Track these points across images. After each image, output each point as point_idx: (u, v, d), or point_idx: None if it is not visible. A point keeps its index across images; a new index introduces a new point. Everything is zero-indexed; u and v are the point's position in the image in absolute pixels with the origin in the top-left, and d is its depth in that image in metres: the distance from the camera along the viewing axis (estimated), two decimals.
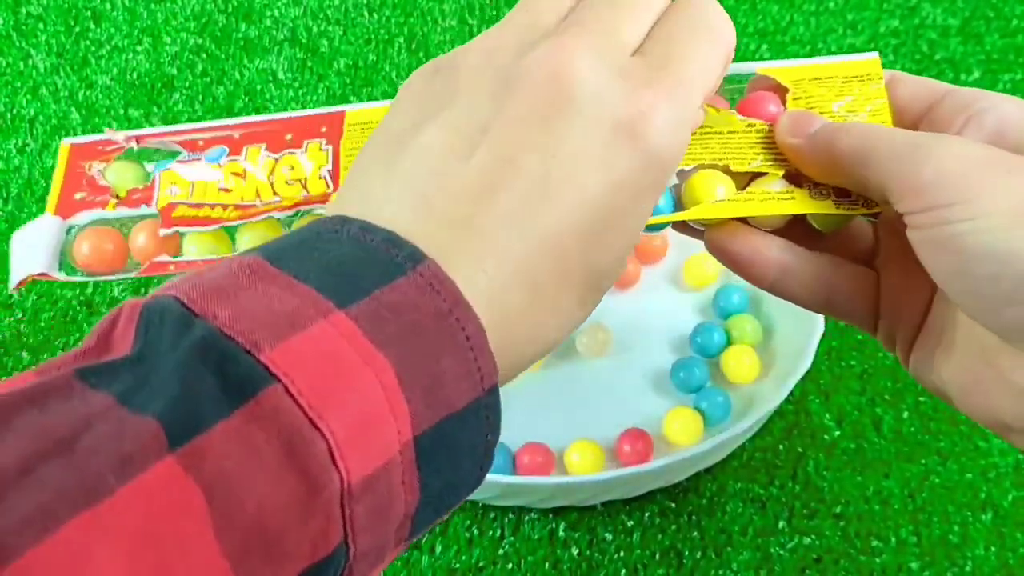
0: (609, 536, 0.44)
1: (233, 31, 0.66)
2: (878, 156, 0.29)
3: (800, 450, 0.47)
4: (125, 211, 0.36)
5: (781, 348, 0.48)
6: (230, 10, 0.67)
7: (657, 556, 0.44)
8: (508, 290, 0.25)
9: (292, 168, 0.36)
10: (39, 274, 0.35)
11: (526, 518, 0.45)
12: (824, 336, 0.47)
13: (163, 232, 0.35)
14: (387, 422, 0.22)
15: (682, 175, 0.34)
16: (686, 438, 0.45)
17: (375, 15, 0.67)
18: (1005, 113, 0.30)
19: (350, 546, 0.22)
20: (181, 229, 0.35)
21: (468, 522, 0.45)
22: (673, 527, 0.45)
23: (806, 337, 0.45)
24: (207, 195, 0.36)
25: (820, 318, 0.46)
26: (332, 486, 0.21)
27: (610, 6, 0.28)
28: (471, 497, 0.44)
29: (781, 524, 0.45)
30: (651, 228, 0.34)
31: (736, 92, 0.35)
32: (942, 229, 0.27)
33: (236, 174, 0.36)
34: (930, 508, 0.45)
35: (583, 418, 0.47)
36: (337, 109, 0.37)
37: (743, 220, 0.33)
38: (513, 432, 0.46)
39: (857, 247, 0.34)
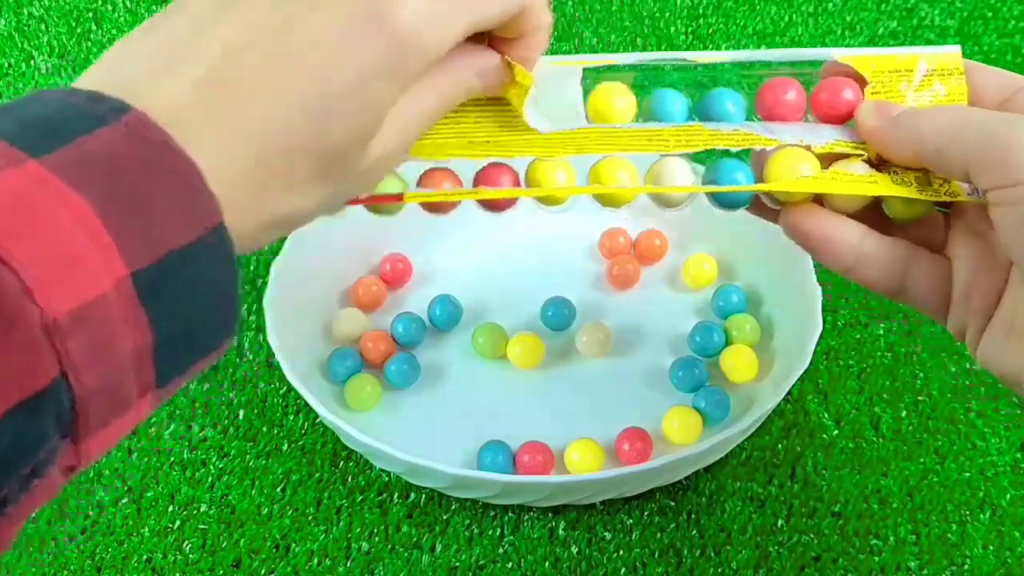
0: (609, 535, 0.45)
1: None
2: (966, 132, 0.30)
3: (799, 449, 0.47)
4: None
5: (780, 348, 0.48)
6: None
7: (656, 555, 0.44)
8: (233, 156, 0.25)
9: None
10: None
11: (526, 517, 0.45)
12: (822, 336, 0.47)
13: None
14: (89, 258, 0.22)
15: (764, 153, 0.34)
16: (685, 437, 0.45)
17: None
18: None
19: (72, 383, 0.22)
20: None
21: (468, 521, 0.45)
22: (672, 526, 0.45)
23: (804, 337, 0.45)
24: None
25: (818, 318, 0.46)
26: (29, 319, 0.21)
27: None
28: (471, 496, 0.44)
29: (780, 523, 0.45)
30: (732, 200, 0.35)
31: (811, 77, 0.35)
32: None
33: None
34: (928, 507, 0.45)
35: (583, 418, 0.47)
36: None
37: (820, 202, 0.34)
38: (513, 432, 0.46)
39: (929, 235, 0.34)
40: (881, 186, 0.33)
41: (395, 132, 0.29)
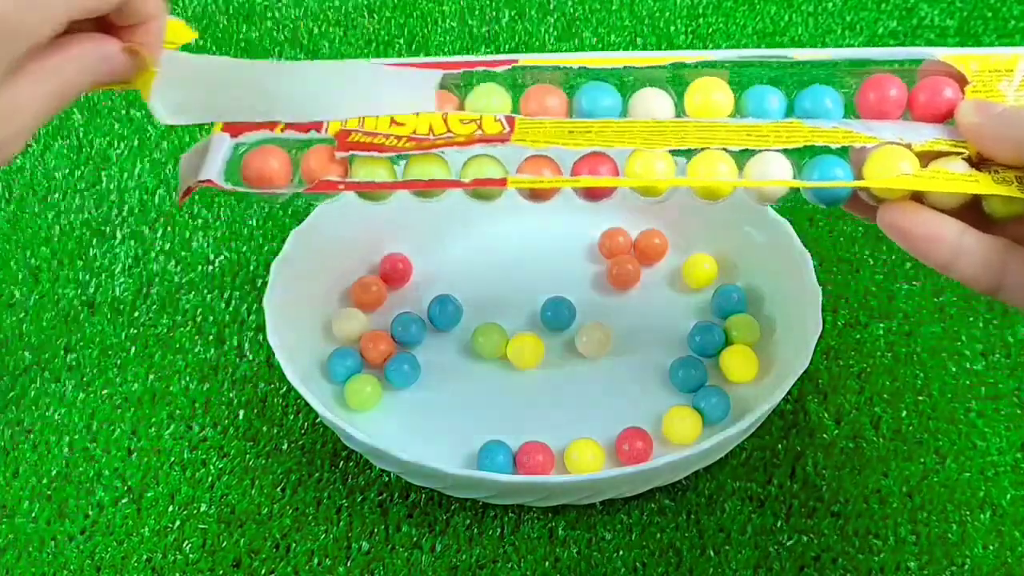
0: (608, 535, 0.45)
1: (234, 32, 0.66)
2: None
3: (799, 449, 0.47)
4: (293, 134, 0.37)
5: (780, 348, 0.48)
6: (231, 11, 0.67)
7: (656, 555, 0.44)
8: None
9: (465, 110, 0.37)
10: (205, 180, 0.36)
11: (526, 517, 0.45)
12: (822, 336, 0.47)
13: (339, 155, 0.36)
14: None
15: (864, 150, 0.34)
16: (685, 437, 0.45)
17: (375, 16, 0.67)
18: None
19: None
20: (357, 153, 0.36)
21: (468, 521, 0.45)
22: (672, 526, 0.45)
23: (804, 336, 0.45)
24: (380, 126, 0.36)
25: (818, 318, 0.46)
26: None
27: None
28: (471, 496, 0.44)
29: (780, 523, 0.45)
30: (831, 197, 0.35)
31: (910, 76, 0.35)
32: None
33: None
34: (929, 507, 0.45)
35: (583, 418, 0.47)
36: (509, 57, 0.37)
37: (918, 199, 0.34)
38: (513, 432, 0.46)
39: None
40: (982, 184, 0.33)
41: (4, 117, 0.29)
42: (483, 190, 0.36)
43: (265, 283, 0.48)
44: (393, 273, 0.53)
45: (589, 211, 0.53)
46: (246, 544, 0.44)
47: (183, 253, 0.55)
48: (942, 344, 0.51)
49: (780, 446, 0.47)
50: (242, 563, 0.44)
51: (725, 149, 0.35)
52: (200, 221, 0.56)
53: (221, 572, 0.43)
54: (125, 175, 0.59)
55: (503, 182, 0.35)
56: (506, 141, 0.35)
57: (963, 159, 0.33)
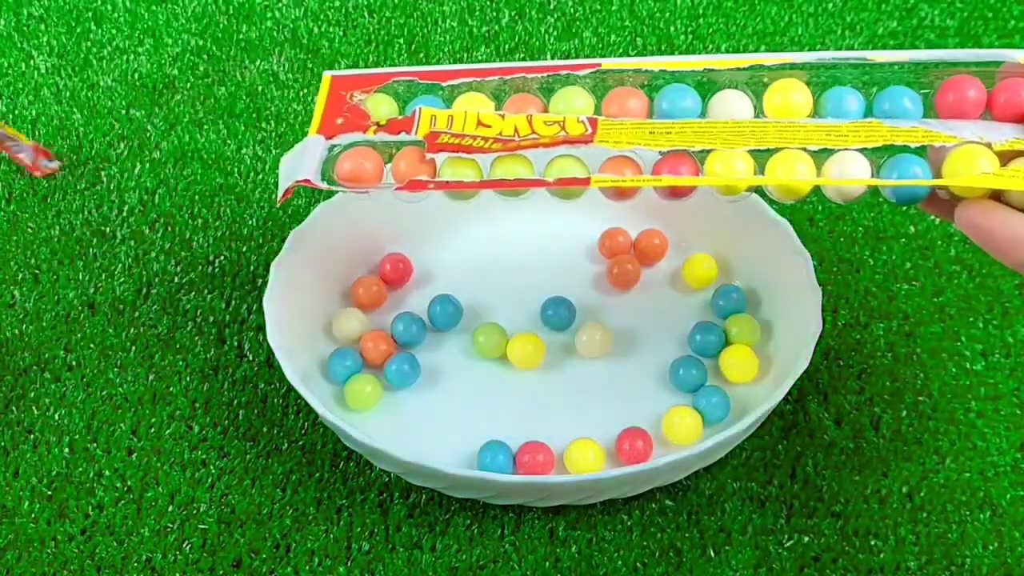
0: (609, 535, 0.45)
1: (234, 32, 0.66)
2: None
3: (799, 449, 0.47)
4: (385, 136, 0.39)
5: (780, 348, 0.48)
6: (231, 11, 0.67)
7: (657, 555, 0.44)
8: None
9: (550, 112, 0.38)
10: (303, 180, 0.38)
11: (526, 517, 0.45)
12: (822, 336, 0.47)
13: (429, 156, 0.37)
14: None
15: (943, 150, 0.34)
16: (686, 437, 0.45)
17: (375, 16, 0.67)
18: None
19: None
20: (446, 154, 0.37)
21: (469, 521, 0.45)
22: (673, 526, 0.45)
23: (804, 337, 0.45)
24: (467, 127, 0.38)
25: (818, 318, 0.46)
26: None
27: None
28: (471, 496, 0.44)
29: (780, 523, 0.45)
30: (910, 195, 0.35)
31: (989, 76, 0.36)
32: None
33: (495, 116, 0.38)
34: (928, 507, 0.45)
35: (583, 418, 0.47)
36: (591, 61, 0.38)
37: (997, 198, 0.34)
38: (513, 432, 0.46)
39: None
40: None
41: None
42: (566, 189, 0.37)
43: (265, 283, 0.48)
44: (393, 273, 0.53)
45: (589, 211, 0.53)
46: (246, 544, 0.44)
47: (183, 253, 0.55)
48: (942, 344, 0.51)
49: (780, 446, 0.47)
50: (242, 563, 0.44)
51: (804, 149, 0.35)
52: (200, 221, 0.56)
53: (221, 572, 0.43)
54: (125, 175, 0.59)
55: (587, 181, 0.36)
56: (589, 143, 0.36)
57: None
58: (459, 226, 0.54)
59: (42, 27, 0.66)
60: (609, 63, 0.38)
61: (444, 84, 0.39)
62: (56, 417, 0.48)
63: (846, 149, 0.35)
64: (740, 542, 0.44)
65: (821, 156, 0.35)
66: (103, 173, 0.59)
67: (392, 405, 0.48)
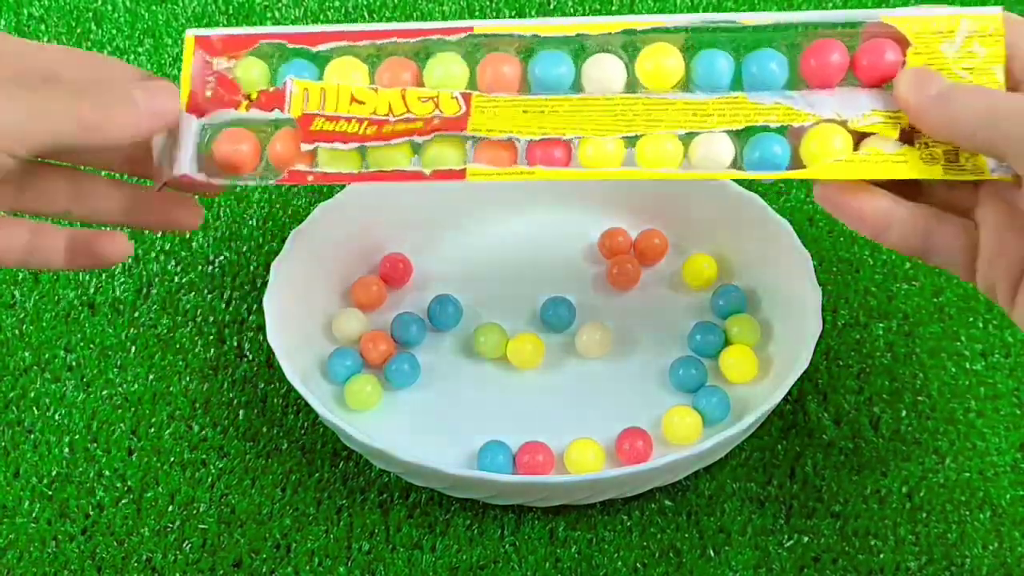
0: (609, 535, 0.45)
1: None
2: (1000, 120, 0.32)
3: (798, 449, 0.47)
4: (258, 113, 0.38)
5: (780, 348, 0.48)
6: (231, 11, 0.67)
7: (657, 555, 0.44)
8: None
9: (423, 85, 0.38)
10: (182, 175, 0.38)
11: (526, 517, 0.45)
12: (822, 336, 0.47)
13: (304, 147, 0.37)
14: None
15: (802, 129, 0.36)
16: (685, 437, 0.45)
17: (375, 16, 0.67)
18: None
19: None
20: (321, 144, 0.37)
21: (469, 521, 0.45)
22: (672, 526, 0.45)
23: (804, 337, 0.45)
24: (340, 105, 0.37)
25: (818, 318, 0.46)
26: None
27: None
28: (471, 496, 0.44)
29: (780, 523, 0.45)
30: (771, 173, 0.37)
31: (855, 38, 0.36)
32: None
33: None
34: (928, 507, 0.45)
35: (583, 418, 0.47)
36: (464, 24, 0.38)
37: None
38: (513, 432, 0.46)
39: (957, 200, 0.36)
40: (910, 166, 0.35)
41: None
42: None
43: (265, 283, 0.48)
44: (393, 273, 0.53)
45: (589, 211, 0.53)
46: (246, 544, 0.44)
47: (183, 253, 0.55)
48: (942, 344, 0.51)
49: (780, 446, 0.47)
50: (242, 563, 0.44)
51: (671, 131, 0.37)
52: None
53: (221, 572, 0.44)
54: (125, 175, 0.59)
55: (462, 174, 0.37)
56: (463, 128, 0.37)
57: (898, 131, 0.36)
58: (459, 226, 0.54)
59: (42, 27, 0.66)
60: (482, 26, 0.37)
61: (315, 49, 0.38)
62: (56, 417, 0.48)
63: (711, 132, 0.37)
64: (740, 542, 0.44)
65: (689, 135, 0.37)
66: (103, 172, 0.59)
67: (392, 405, 0.48)
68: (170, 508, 0.45)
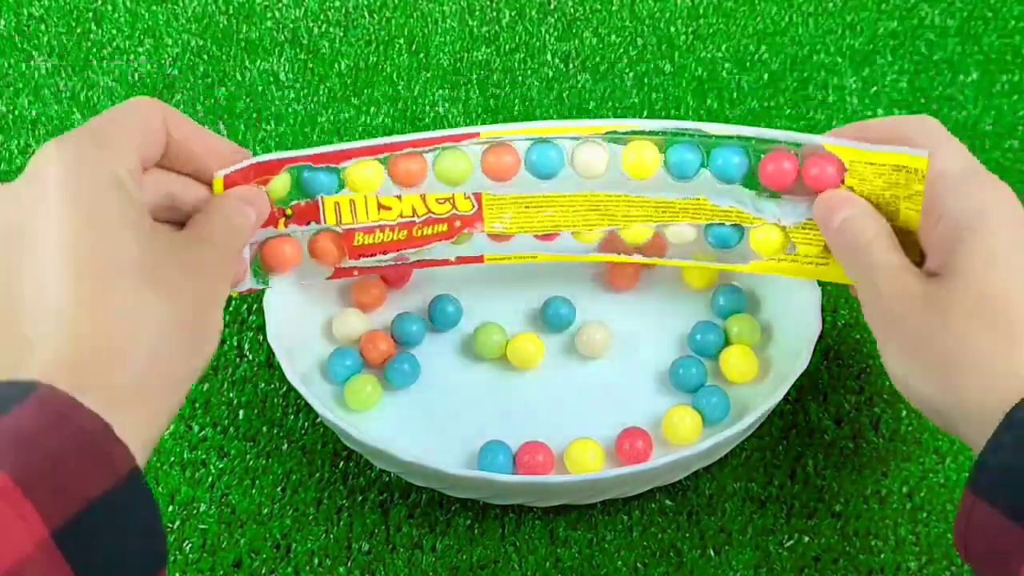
0: (609, 535, 0.45)
1: (234, 32, 0.66)
2: (851, 275, 0.41)
3: (799, 449, 0.47)
4: (295, 228, 0.44)
5: (780, 348, 0.48)
6: (231, 11, 0.67)
7: (657, 555, 0.44)
8: (125, 386, 0.30)
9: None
10: (246, 290, 0.45)
11: (526, 517, 0.45)
12: (822, 336, 0.47)
13: (348, 263, 0.45)
14: (11, 523, 0.24)
15: (750, 227, 0.45)
16: (686, 437, 0.45)
17: (375, 16, 0.67)
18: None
19: None
20: (365, 259, 0.45)
21: (469, 521, 0.45)
22: (673, 526, 0.45)
23: (804, 337, 0.45)
24: (370, 213, 0.44)
25: (818, 318, 0.46)
26: None
27: None
28: (472, 495, 0.44)
29: (780, 523, 0.45)
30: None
31: (801, 152, 0.43)
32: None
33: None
34: (928, 507, 0.45)
35: (583, 418, 0.47)
36: (471, 131, 0.44)
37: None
38: (513, 432, 0.46)
39: None
40: (830, 269, 0.44)
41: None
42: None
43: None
44: (393, 273, 0.53)
45: None
46: (246, 544, 0.44)
47: None
48: None
49: (780, 446, 0.47)
50: (242, 563, 0.44)
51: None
52: None
53: (221, 572, 0.44)
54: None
55: (480, 259, 0.47)
56: (481, 230, 0.45)
57: (820, 247, 0.44)
58: None
59: (42, 27, 0.66)
60: (487, 131, 0.43)
61: (340, 165, 0.43)
62: None
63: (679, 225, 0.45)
64: (740, 542, 0.44)
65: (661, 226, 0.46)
66: None
67: (392, 405, 0.48)
68: (170, 508, 0.45)
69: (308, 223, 0.44)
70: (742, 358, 0.48)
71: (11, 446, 0.26)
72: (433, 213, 0.44)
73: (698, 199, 0.44)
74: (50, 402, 0.27)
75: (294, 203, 0.43)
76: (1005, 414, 0.32)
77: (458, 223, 0.43)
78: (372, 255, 0.44)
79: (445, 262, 0.45)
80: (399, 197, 0.44)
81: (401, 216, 0.44)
